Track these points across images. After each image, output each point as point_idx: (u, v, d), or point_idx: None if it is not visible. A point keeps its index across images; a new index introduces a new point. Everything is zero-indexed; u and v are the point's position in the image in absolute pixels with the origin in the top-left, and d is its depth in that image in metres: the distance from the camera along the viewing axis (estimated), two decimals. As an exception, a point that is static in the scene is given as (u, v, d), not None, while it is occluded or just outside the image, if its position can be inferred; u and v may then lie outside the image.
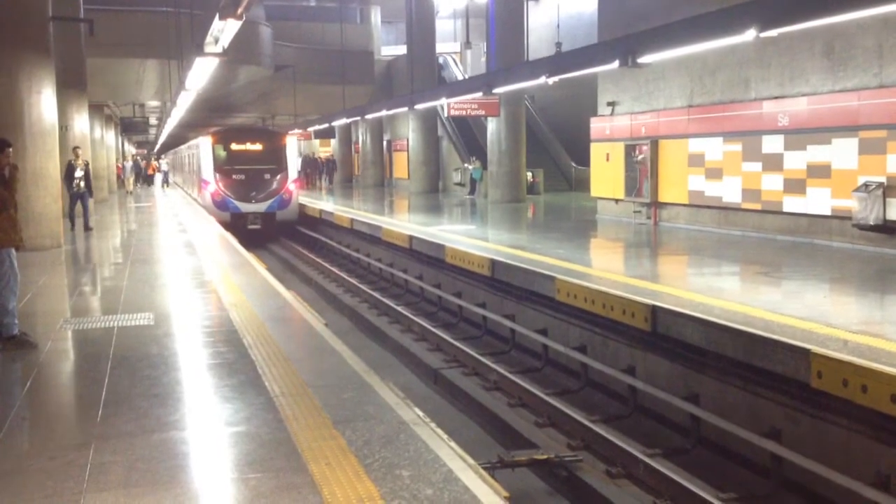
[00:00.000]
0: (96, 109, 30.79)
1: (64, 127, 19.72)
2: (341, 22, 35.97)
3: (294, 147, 27.70)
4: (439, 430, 4.88)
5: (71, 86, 20.58)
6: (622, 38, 11.61)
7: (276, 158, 25.79)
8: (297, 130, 32.93)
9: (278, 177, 25.50)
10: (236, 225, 23.72)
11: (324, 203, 27.25)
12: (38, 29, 14.18)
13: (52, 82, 14.41)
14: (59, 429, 5.12)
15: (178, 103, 24.49)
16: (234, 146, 25.86)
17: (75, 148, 18.75)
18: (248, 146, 26.04)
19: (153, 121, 49.97)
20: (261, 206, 25.09)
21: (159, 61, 25.43)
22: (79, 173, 18.18)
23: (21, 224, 7.45)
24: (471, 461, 4.40)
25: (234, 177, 25.28)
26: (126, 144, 58.09)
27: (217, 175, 25.24)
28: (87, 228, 18.18)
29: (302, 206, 26.15)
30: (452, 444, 4.66)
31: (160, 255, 13.77)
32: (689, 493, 6.24)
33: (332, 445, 4.56)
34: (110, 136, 38.46)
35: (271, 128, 37.57)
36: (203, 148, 26.39)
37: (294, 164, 26.99)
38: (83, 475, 4.22)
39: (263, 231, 25.15)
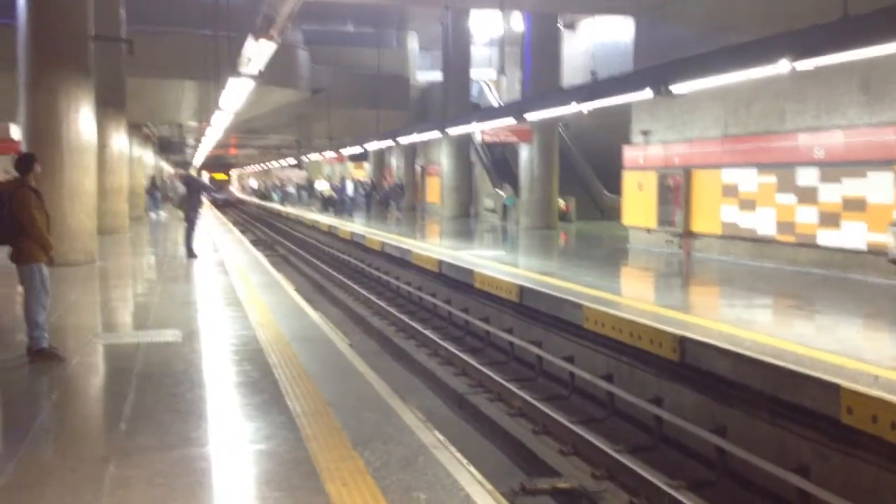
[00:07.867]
0: (135, 129, 31.21)
1: (103, 145, 19.97)
2: (378, 47, 36.29)
3: (233, 176, 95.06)
4: (458, 455, 4.84)
5: (110, 105, 20.85)
6: (655, 67, 11.60)
7: (228, 180, 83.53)
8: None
9: (229, 187, 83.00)
10: (215, 204, 52.67)
11: (353, 226, 27.42)
12: (78, 48, 14.43)
13: (90, 101, 14.64)
14: (81, 442, 5.15)
15: (214, 124, 24.84)
16: (214, 174, 69.88)
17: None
18: (219, 175, 76.04)
19: (190, 141, 50.70)
20: (222, 196, 67.22)
21: (198, 83, 25.77)
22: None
23: (54, 239, 7.54)
24: (489, 486, 4.36)
25: (214, 186, 63.45)
26: (164, 163, 59.77)
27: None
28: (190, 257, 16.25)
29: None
30: (472, 468, 4.62)
31: (191, 273, 13.89)
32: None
33: (350, 466, 4.54)
34: (148, 156, 38.99)
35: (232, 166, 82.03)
36: (204, 174, 49.13)
37: (234, 182, 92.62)
38: (102, 488, 4.24)
39: (222, 207, 55.94)
